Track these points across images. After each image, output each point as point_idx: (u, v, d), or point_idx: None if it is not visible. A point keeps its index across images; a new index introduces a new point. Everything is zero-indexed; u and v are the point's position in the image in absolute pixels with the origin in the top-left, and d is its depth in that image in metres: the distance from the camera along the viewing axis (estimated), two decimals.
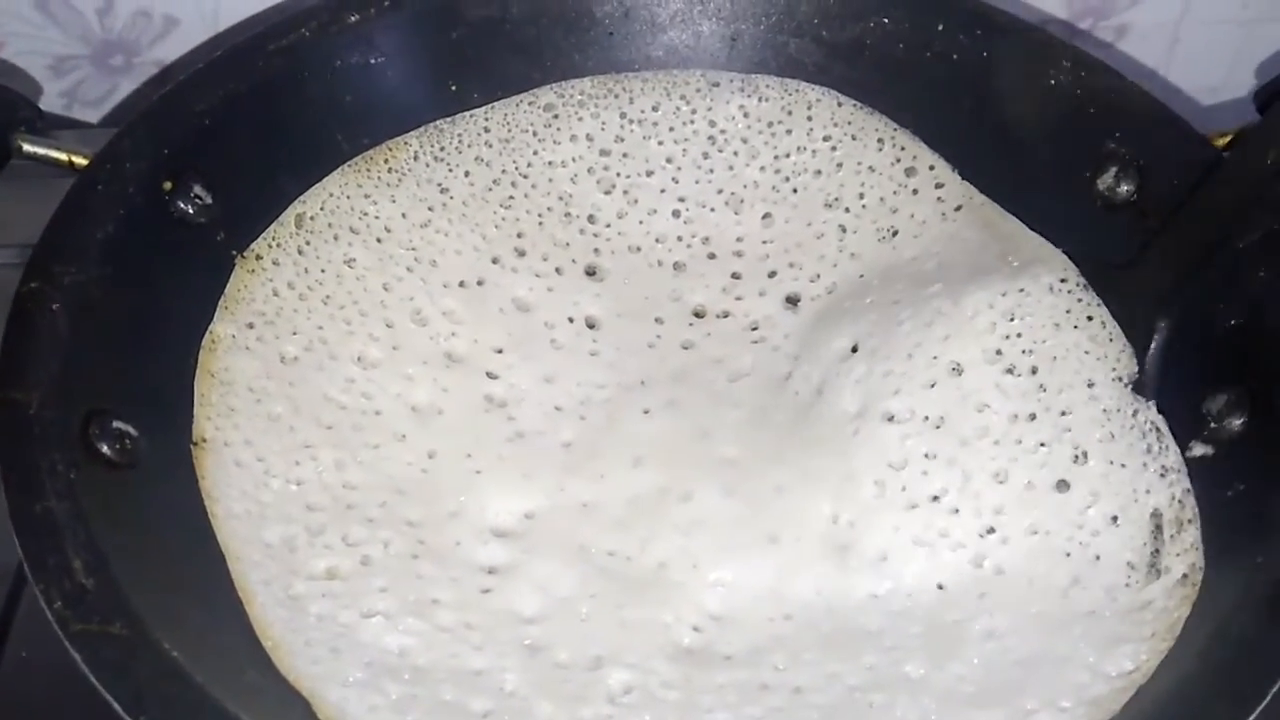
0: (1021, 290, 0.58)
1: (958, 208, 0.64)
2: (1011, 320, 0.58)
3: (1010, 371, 0.57)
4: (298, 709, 0.47)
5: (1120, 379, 0.57)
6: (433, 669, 0.51)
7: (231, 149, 0.60)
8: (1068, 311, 0.58)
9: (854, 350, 0.59)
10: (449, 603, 0.53)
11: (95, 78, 0.71)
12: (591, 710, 0.50)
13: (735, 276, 0.65)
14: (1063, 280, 0.59)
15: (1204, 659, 0.46)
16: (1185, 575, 0.51)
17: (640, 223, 0.66)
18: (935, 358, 0.57)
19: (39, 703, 0.53)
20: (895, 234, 0.64)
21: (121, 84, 0.71)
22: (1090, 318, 0.58)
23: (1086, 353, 0.57)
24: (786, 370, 0.61)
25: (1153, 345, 0.56)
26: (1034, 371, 0.57)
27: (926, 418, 0.56)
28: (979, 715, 0.49)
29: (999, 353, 0.57)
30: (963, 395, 0.56)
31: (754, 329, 0.63)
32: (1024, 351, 0.57)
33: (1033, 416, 0.56)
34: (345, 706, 0.48)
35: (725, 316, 0.64)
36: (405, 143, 0.65)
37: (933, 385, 0.57)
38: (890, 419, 0.57)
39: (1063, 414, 0.56)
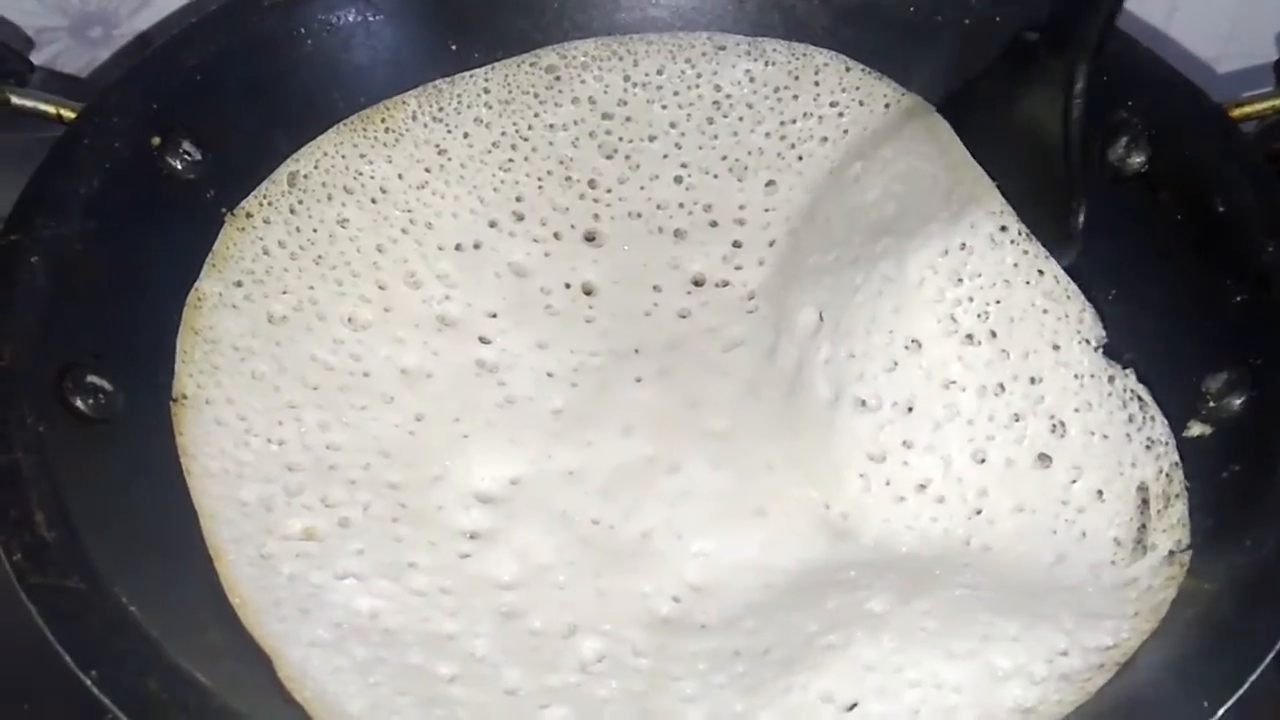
0: (963, 246, 0.55)
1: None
2: (959, 283, 0.55)
3: (970, 340, 0.55)
4: (256, 668, 0.47)
5: (1087, 341, 0.54)
6: (402, 632, 0.50)
7: (223, 106, 0.59)
8: (1015, 265, 0.55)
9: (820, 319, 0.58)
10: (426, 566, 0.53)
11: (74, 49, 0.70)
12: (560, 678, 0.50)
13: (736, 245, 0.64)
14: (1003, 229, 0.55)
15: (1183, 644, 0.44)
16: (1171, 552, 0.50)
17: (641, 188, 0.65)
18: (891, 332, 0.55)
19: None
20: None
21: (101, 55, 0.71)
22: (1041, 271, 0.55)
23: (1045, 312, 0.55)
24: (773, 341, 0.59)
25: (1076, 95, 0.52)
26: (994, 336, 0.55)
27: (895, 403, 0.55)
28: (945, 670, 0.48)
29: (953, 319, 0.55)
30: (926, 373, 0.55)
31: (751, 298, 0.62)
32: (979, 316, 0.55)
33: (1001, 387, 0.54)
34: (307, 666, 0.48)
35: (724, 286, 0.63)
36: (403, 102, 0.64)
37: (895, 365, 0.55)
38: (862, 404, 0.55)
39: (1032, 381, 0.54)
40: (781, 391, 0.58)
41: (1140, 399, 0.53)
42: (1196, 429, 0.52)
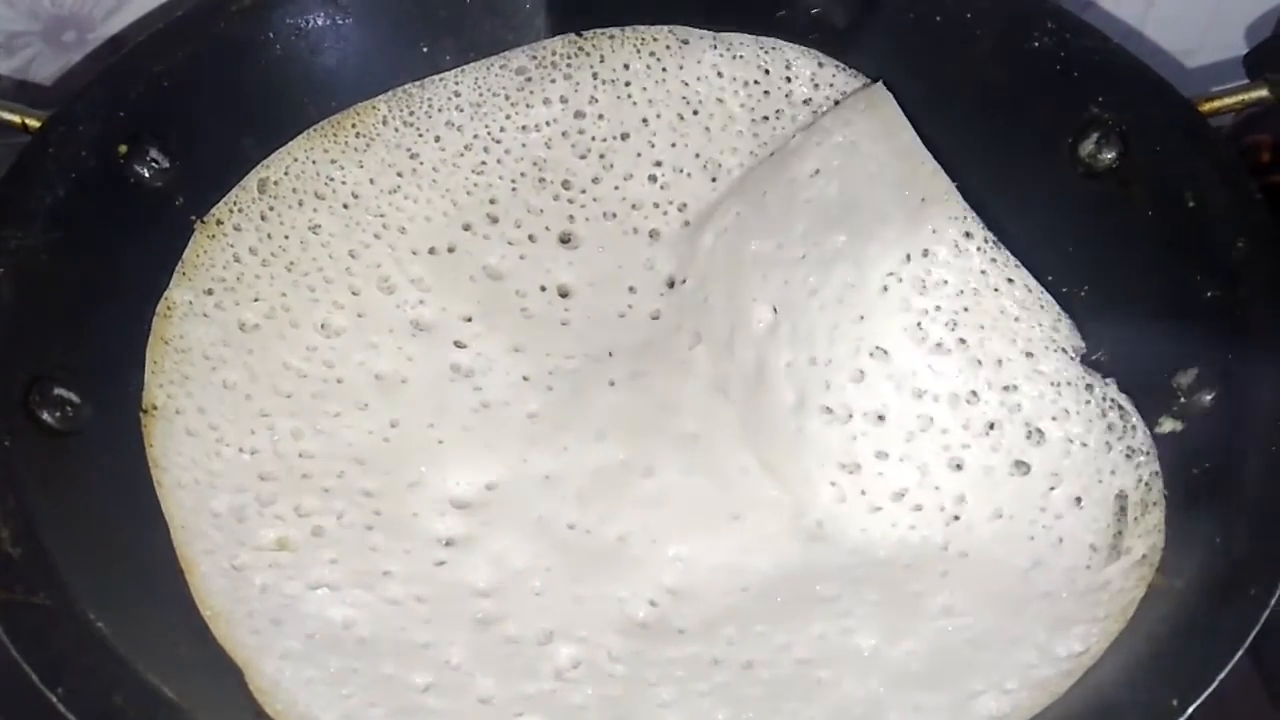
0: (926, 253, 0.54)
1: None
2: (925, 291, 0.54)
3: (939, 348, 0.54)
4: (227, 682, 0.46)
5: (1063, 350, 0.54)
6: (376, 642, 0.50)
7: (191, 112, 0.59)
8: (983, 273, 0.54)
9: (775, 315, 0.56)
10: (400, 575, 0.53)
11: (47, 55, 0.69)
12: (535, 685, 0.50)
13: None
14: (968, 235, 0.54)
15: (1154, 642, 0.44)
16: (1145, 556, 0.49)
17: (616, 188, 0.64)
18: (857, 341, 0.54)
19: None
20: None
21: (74, 60, 0.70)
22: (1011, 280, 0.54)
23: (1017, 319, 0.54)
24: (729, 334, 0.58)
25: None
26: (964, 344, 0.54)
27: (866, 413, 0.54)
28: (924, 697, 0.48)
29: (921, 328, 0.54)
30: (895, 383, 0.54)
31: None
32: (947, 324, 0.54)
33: (975, 395, 0.53)
34: (279, 678, 0.48)
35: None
36: (373, 107, 0.64)
37: (862, 375, 0.54)
38: (829, 412, 0.54)
39: (1006, 389, 0.53)
40: (746, 391, 0.57)
41: (1121, 408, 0.52)
42: (1168, 425, 0.52)
